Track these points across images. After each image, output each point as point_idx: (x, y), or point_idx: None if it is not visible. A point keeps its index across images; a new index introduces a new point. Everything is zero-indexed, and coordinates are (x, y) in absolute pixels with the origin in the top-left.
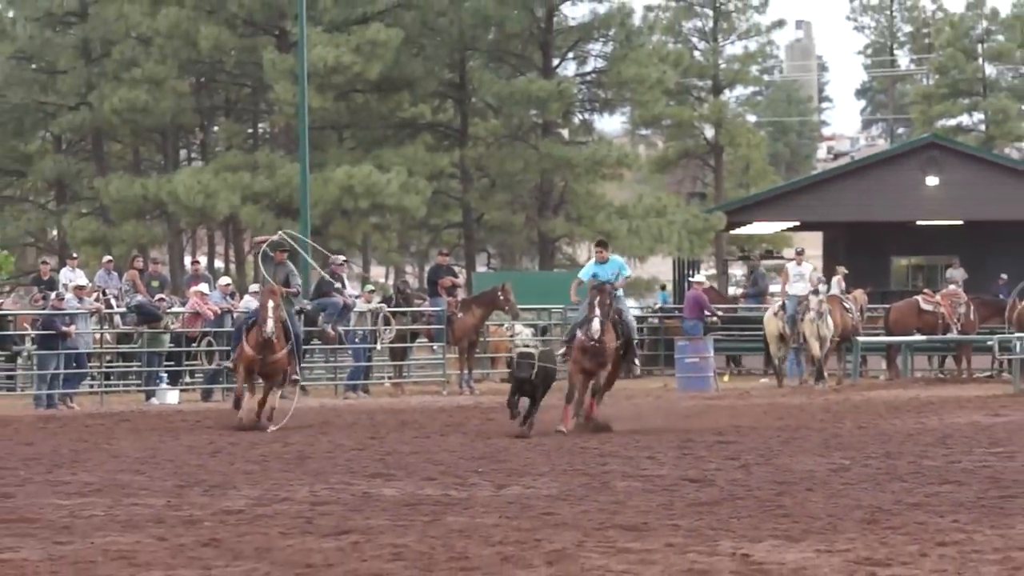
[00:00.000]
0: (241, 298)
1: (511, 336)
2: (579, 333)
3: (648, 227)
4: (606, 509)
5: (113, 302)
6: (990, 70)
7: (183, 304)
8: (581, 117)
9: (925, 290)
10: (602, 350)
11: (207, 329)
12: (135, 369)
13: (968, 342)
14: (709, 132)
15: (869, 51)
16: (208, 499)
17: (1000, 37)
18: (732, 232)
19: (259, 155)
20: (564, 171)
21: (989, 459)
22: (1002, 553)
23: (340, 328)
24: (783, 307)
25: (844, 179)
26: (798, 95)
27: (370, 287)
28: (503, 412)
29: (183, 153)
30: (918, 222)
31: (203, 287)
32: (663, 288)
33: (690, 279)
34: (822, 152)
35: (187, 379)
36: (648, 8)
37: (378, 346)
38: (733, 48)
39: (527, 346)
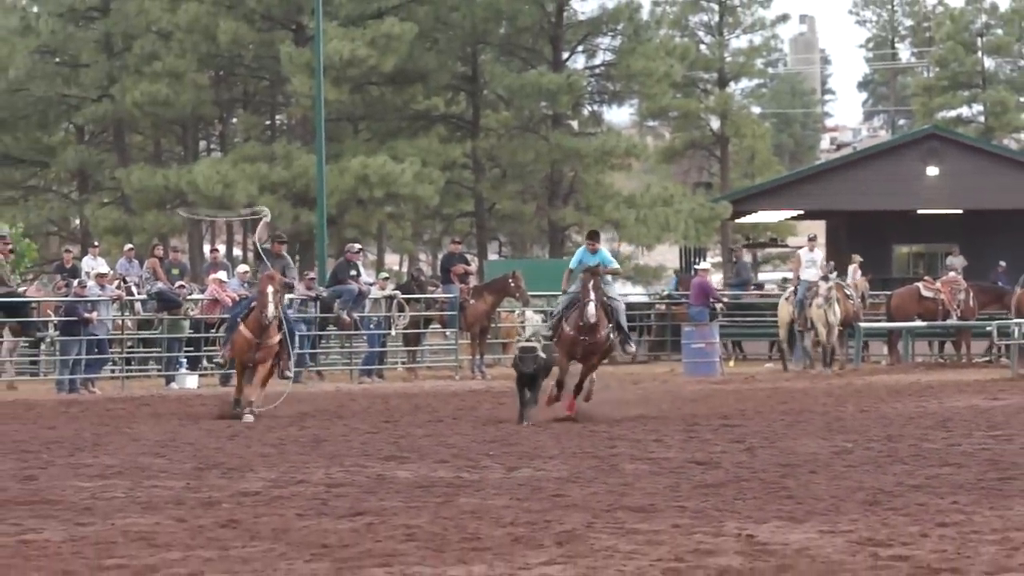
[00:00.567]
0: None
1: (522, 322)
2: (565, 323)
3: (655, 216)
4: (614, 491)
5: (134, 289)
6: (989, 63)
7: (202, 291)
8: (590, 109)
9: (925, 277)
10: (595, 336)
11: (225, 315)
12: (155, 354)
13: (967, 328)
14: (715, 123)
15: (871, 44)
16: (226, 481)
17: (999, 31)
18: (737, 221)
19: (276, 146)
20: (574, 161)
21: (988, 442)
22: (1000, 533)
23: (355, 314)
24: (795, 292)
25: (846, 169)
26: (802, 87)
27: (384, 274)
28: (514, 397)
29: (203, 144)
30: (919, 211)
31: (221, 275)
32: (676, 272)
33: (696, 267)
34: (825, 143)
35: (206, 364)
36: (655, 3)
37: (392, 332)
38: (738, 42)
39: (529, 340)
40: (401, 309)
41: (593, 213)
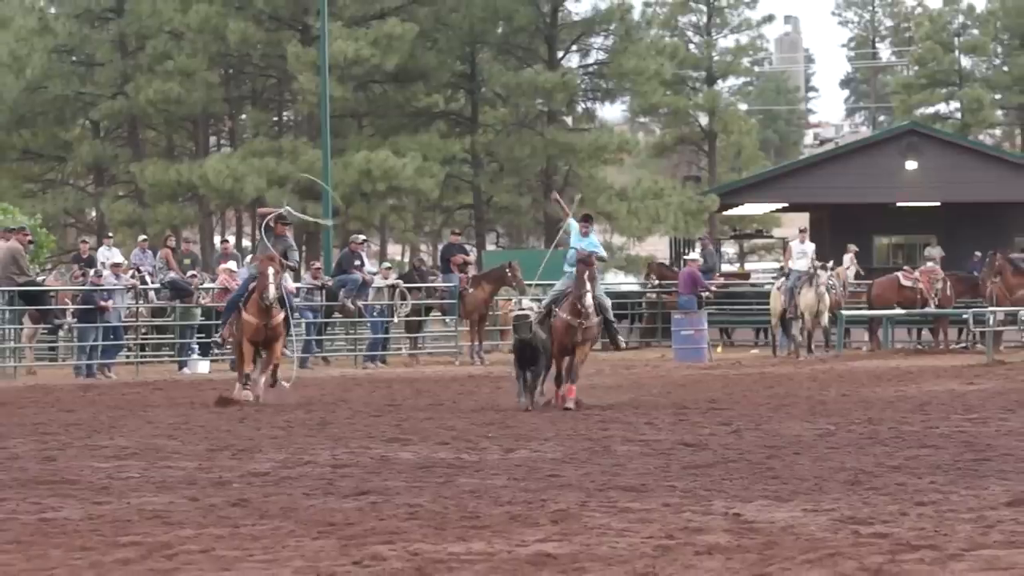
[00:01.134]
0: None
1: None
2: (559, 311)
3: (646, 208)
4: (607, 471)
5: (148, 278)
6: (966, 62)
7: (213, 280)
8: (584, 106)
9: (905, 267)
10: (588, 326)
11: None
12: (168, 341)
13: (945, 316)
14: (703, 120)
15: (853, 44)
16: (236, 462)
17: (975, 31)
18: (724, 213)
19: (284, 142)
20: (568, 156)
21: (964, 424)
22: (976, 512)
23: (359, 303)
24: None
25: (829, 163)
26: (786, 85)
27: (387, 264)
28: (511, 382)
29: (213, 140)
30: (898, 204)
31: (231, 264)
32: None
33: (685, 257)
34: (809, 138)
35: (217, 350)
36: (646, 4)
37: (395, 319)
38: (726, 41)
39: (523, 308)
40: (403, 297)
41: (587, 206)
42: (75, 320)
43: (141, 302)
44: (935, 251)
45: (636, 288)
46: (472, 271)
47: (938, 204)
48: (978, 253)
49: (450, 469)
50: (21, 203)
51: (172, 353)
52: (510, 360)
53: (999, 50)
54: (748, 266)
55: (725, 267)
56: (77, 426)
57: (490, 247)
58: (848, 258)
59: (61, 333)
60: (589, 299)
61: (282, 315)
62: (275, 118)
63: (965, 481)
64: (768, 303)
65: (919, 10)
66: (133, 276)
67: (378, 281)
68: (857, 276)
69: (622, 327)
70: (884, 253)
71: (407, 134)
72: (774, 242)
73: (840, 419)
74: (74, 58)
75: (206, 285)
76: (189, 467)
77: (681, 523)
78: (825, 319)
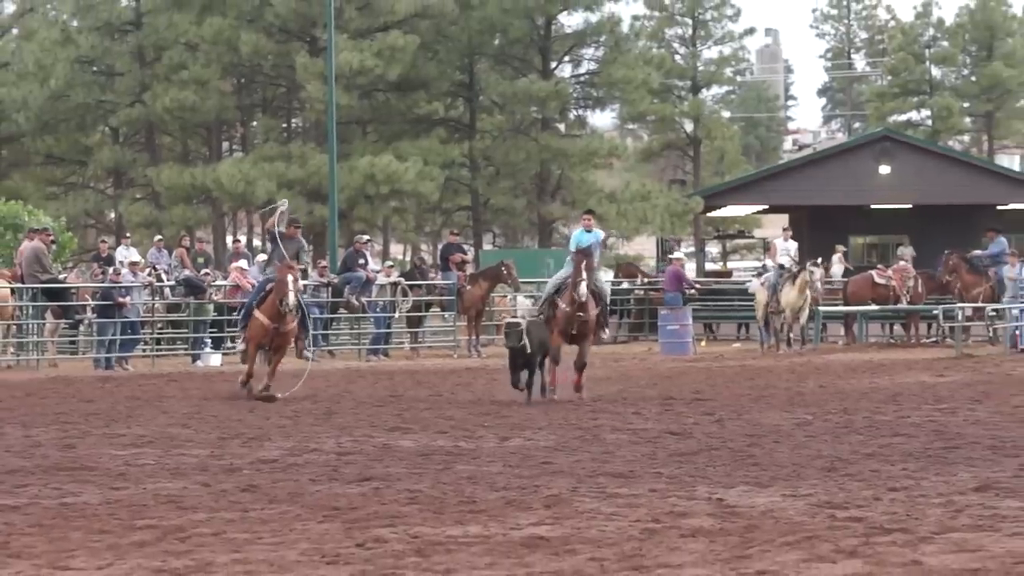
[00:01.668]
0: None
1: (514, 307)
2: (559, 301)
3: (634, 210)
4: (597, 459)
5: (163, 276)
6: (936, 72)
7: (225, 278)
8: (576, 113)
9: (879, 266)
10: (588, 312)
11: (246, 300)
12: (183, 335)
13: (916, 311)
14: (688, 126)
15: (829, 55)
16: (246, 450)
17: (945, 43)
18: (708, 214)
19: (293, 147)
20: (561, 161)
21: (934, 414)
22: (945, 497)
23: (363, 299)
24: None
25: (807, 168)
26: (767, 94)
27: (390, 263)
28: (507, 374)
29: (226, 145)
30: (872, 206)
31: (243, 263)
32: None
33: (670, 256)
34: (788, 144)
35: (228, 344)
36: (635, 17)
37: (396, 315)
38: (709, 52)
39: (514, 316)
40: (404, 294)
41: (578, 208)
42: (95, 315)
43: (157, 299)
44: (907, 251)
45: (625, 286)
46: (470, 269)
47: (910, 206)
48: (948, 252)
49: (448, 456)
50: (45, 205)
51: (186, 347)
52: (506, 354)
53: (967, 61)
54: (730, 264)
55: (709, 266)
56: (96, 416)
57: (487, 246)
58: (836, 257)
59: (81, 328)
60: (583, 288)
61: (295, 323)
62: (284, 125)
63: (935, 468)
64: (749, 299)
65: (892, 23)
66: (150, 274)
67: (381, 279)
68: (847, 273)
69: (611, 322)
70: (859, 252)
71: (409, 140)
72: (755, 242)
73: (817, 409)
74: (95, 68)
75: (219, 282)
76: (202, 454)
77: (667, 507)
78: (805, 316)
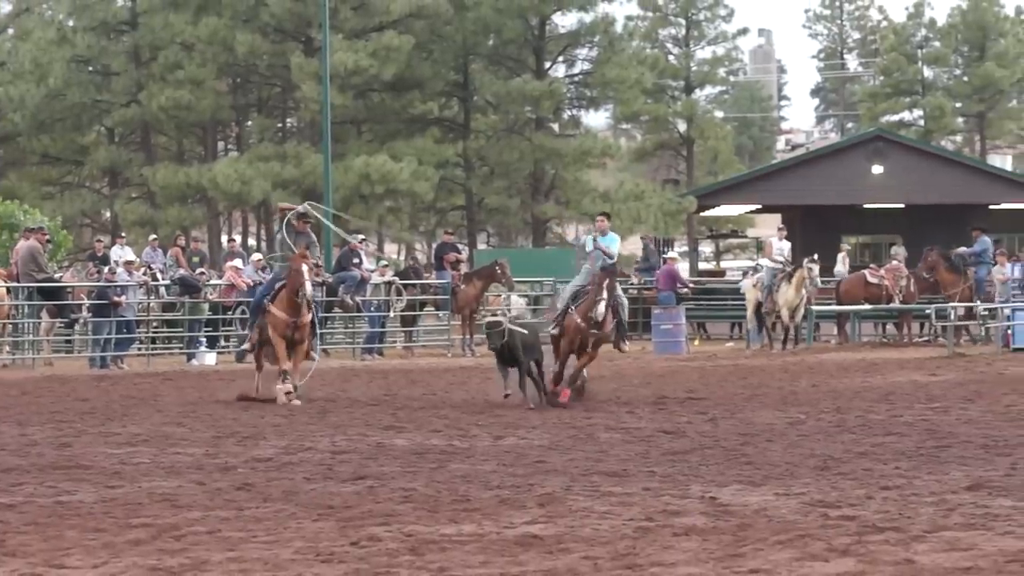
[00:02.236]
0: (270, 272)
1: (508, 306)
2: (573, 312)
3: (628, 210)
4: (591, 457)
5: (159, 275)
6: (928, 72)
7: (220, 277)
8: (570, 113)
9: (871, 265)
10: (603, 328)
11: (241, 299)
12: (178, 334)
13: (908, 311)
14: (682, 126)
15: (822, 55)
16: (241, 448)
17: (937, 43)
18: (702, 214)
19: (288, 147)
20: (555, 161)
21: (927, 413)
22: (938, 496)
23: (358, 298)
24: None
25: (800, 168)
26: (760, 94)
27: (384, 262)
28: (496, 376)
29: (221, 145)
30: (865, 205)
31: (238, 262)
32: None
33: (664, 255)
34: (781, 144)
35: (223, 343)
36: (628, 18)
37: (391, 314)
38: (703, 53)
39: (495, 315)
40: (399, 293)
41: (572, 207)
42: (90, 314)
43: (152, 298)
44: (900, 250)
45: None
46: (464, 268)
47: (902, 206)
48: (928, 249)
49: (442, 455)
50: (41, 204)
51: (181, 346)
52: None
53: (959, 61)
54: (724, 264)
55: (702, 265)
56: (91, 414)
57: (481, 246)
58: (841, 256)
59: (77, 327)
60: (602, 308)
61: (310, 315)
62: (279, 124)
63: (928, 467)
64: (742, 298)
65: (884, 23)
66: (145, 273)
67: (375, 278)
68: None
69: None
70: (852, 252)
71: (403, 140)
72: (748, 241)
73: (810, 408)
74: (91, 68)
75: (213, 282)
76: (197, 453)
77: (660, 506)
78: (800, 315)
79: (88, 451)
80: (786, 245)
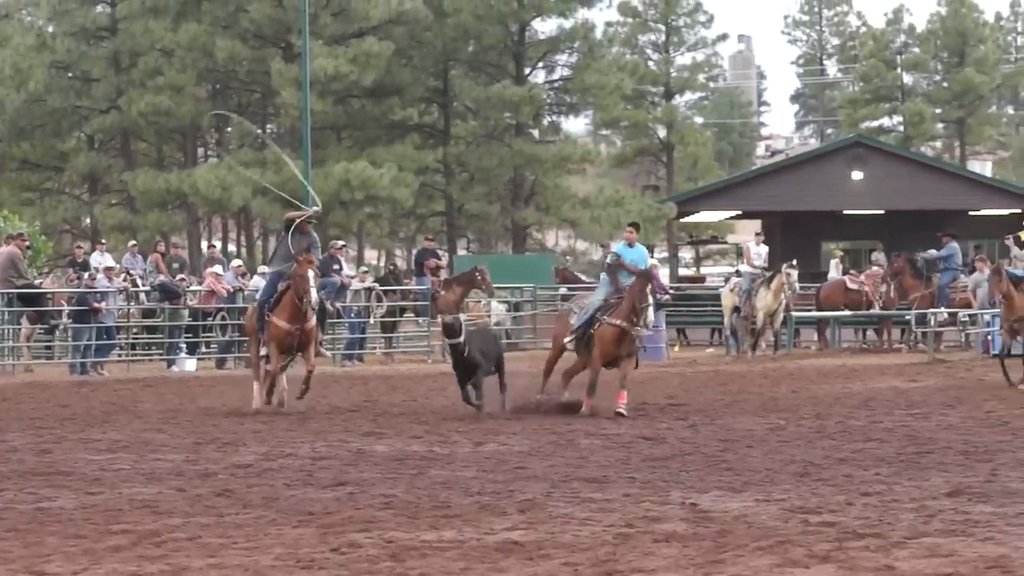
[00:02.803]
0: (251, 278)
1: (487, 313)
2: (608, 318)
3: (608, 216)
4: (571, 464)
5: (139, 282)
6: (908, 78)
7: (200, 283)
8: (549, 119)
9: (851, 271)
10: (633, 338)
11: (221, 305)
12: (158, 340)
13: (888, 317)
14: (662, 132)
15: (802, 61)
16: (221, 455)
17: (916, 50)
18: (682, 220)
19: (268, 153)
20: (534, 166)
21: (907, 419)
22: (918, 502)
23: (338, 304)
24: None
25: (780, 173)
26: (740, 100)
27: (364, 268)
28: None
29: (201, 151)
30: (845, 211)
31: (218, 268)
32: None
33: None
34: (761, 150)
35: (203, 349)
36: (608, 24)
37: (371, 320)
38: (683, 59)
39: (448, 317)
40: (379, 300)
41: (552, 213)
42: (70, 321)
43: (132, 304)
44: (880, 256)
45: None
46: (444, 275)
47: (882, 212)
48: (895, 255)
49: (423, 461)
50: (21, 211)
51: (161, 352)
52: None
53: (939, 67)
54: (704, 270)
55: (682, 271)
56: (71, 420)
57: (461, 252)
58: (834, 263)
59: (57, 333)
60: (651, 314)
61: (314, 319)
62: (259, 131)
63: (908, 473)
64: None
65: (864, 29)
66: (125, 279)
67: (356, 284)
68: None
69: None
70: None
71: (383, 146)
72: (728, 247)
73: (790, 414)
74: (71, 74)
75: (193, 288)
76: (177, 459)
77: (640, 512)
78: (779, 321)
79: (68, 457)
80: (764, 249)
